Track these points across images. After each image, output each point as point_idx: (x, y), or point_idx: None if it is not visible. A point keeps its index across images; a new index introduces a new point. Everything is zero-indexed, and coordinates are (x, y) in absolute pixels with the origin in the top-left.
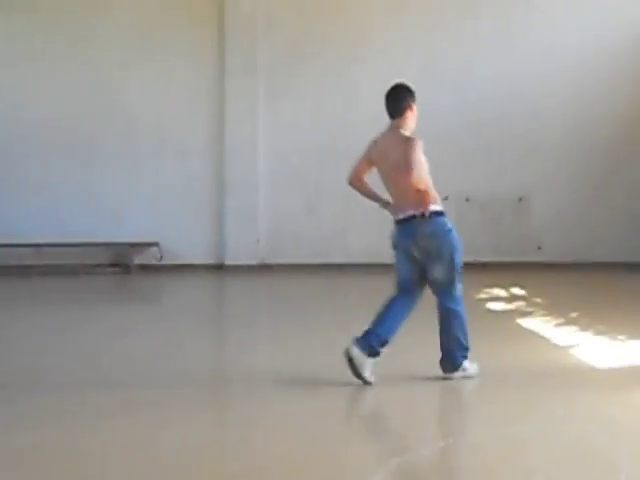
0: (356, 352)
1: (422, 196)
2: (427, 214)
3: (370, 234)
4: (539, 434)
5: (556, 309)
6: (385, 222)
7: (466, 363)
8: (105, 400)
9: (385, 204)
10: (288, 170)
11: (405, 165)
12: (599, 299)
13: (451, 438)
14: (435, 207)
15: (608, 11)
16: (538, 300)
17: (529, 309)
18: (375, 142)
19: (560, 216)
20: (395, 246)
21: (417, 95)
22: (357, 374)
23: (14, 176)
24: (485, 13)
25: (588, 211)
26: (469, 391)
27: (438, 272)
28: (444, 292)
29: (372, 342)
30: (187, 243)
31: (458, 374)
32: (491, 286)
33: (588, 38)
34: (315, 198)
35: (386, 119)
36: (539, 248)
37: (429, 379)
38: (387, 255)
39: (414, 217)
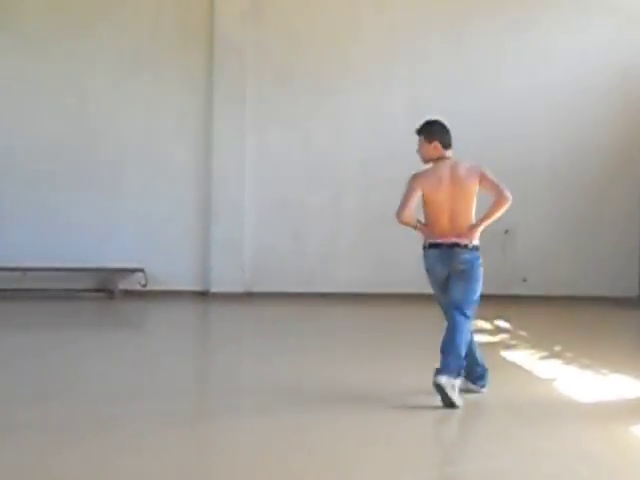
0: (444, 380)
1: (472, 228)
2: (470, 245)
3: (356, 263)
4: (521, 467)
5: (540, 342)
6: (371, 252)
7: (458, 381)
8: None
9: (420, 226)
10: (275, 197)
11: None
12: (583, 332)
13: (434, 470)
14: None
15: (595, 47)
16: (523, 333)
17: (513, 342)
18: (426, 175)
19: (546, 249)
20: (432, 269)
21: (401, 128)
22: (448, 401)
23: None
24: (472, 46)
25: (574, 244)
26: (451, 423)
27: (459, 291)
28: (459, 310)
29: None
30: (172, 269)
31: (444, 380)
32: (475, 318)
33: (576, 74)
34: (301, 226)
35: (374, 149)
36: (524, 280)
37: (411, 409)
38: (372, 285)
39: (458, 245)
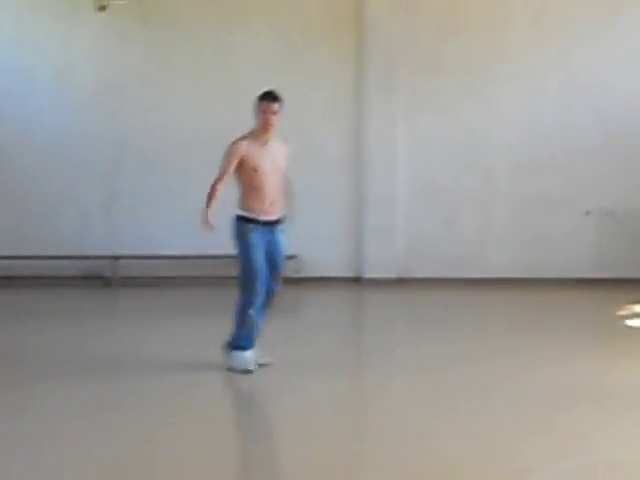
0: None
1: None
2: None
3: (509, 248)
4: None
5: None
6: (527, 236)
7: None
8: None
9: None
10: (426, 184)
11: None
12: None
13: (587, 455)
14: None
15: None
16: None
17: None
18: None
19: None
20: None
21: (557, 109)
22: None
23: (156, 187)
24: (626, 28)
25: None
26: (608, 409)
27: None
28: None
29: None
30: (326, 256)
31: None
32: (633, 303)
33: None
34: (453, 212)
35: (526, 133)
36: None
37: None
38: (528, 269)
39: None
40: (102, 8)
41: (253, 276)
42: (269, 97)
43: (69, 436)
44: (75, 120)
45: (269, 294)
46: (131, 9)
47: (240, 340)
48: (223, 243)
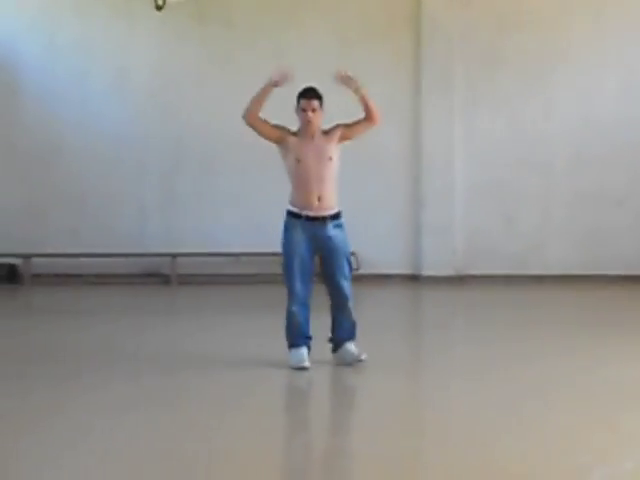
0: None
1: None
2: None
3: (568, 245)
4: None
5: None
6: (586, 232)
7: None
8: None
9: None
10: (485, 181)
11: None
12: None
13: None
14: None
15: None
16: None
17: None
18: None
19: None
20: None
21: (615, 105)
22: None
23: (213, 186)
24: None
25: None
26: None
27: None
28: None
29: None
30: (384, 253)
31: None
32: None
33: None
34: (513, 209)
35: (584, 130)
36: None
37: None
38: (588, 266)
39: None
40: (159, 8)
41: (290, 273)
42: (307, 94)
43: (126, 429)
44: (133, 120)
45: (335, 295)
46: (187, 7)
47: (289, 337)
48: (280, 241)
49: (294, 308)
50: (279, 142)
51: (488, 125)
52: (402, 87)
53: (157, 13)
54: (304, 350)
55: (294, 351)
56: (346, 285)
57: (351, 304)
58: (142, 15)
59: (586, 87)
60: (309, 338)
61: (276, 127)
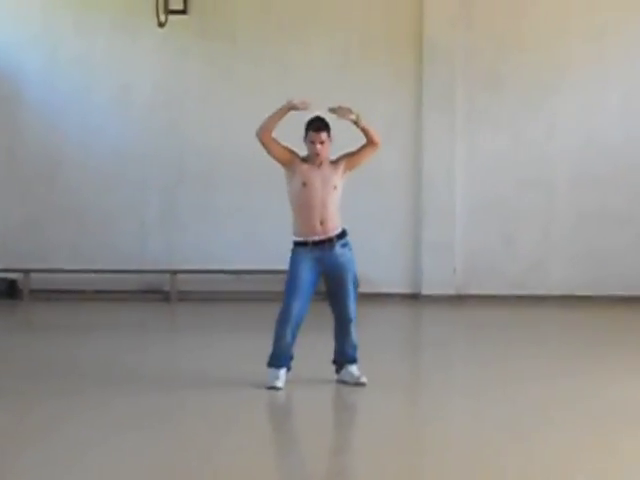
0: None
1: None
2: None
3: (569, 265)
4: None
5: None
6: (587, 252)
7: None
8: None
9: None
10: (486, 201)
11: None
12: None
13: None
14: None
15: None
16: None
17: None
18: None
19: None
20: None
21: (618, 125)
22: None
23: (214, 202)
24: None
25: None
26: None
27: None
28: None
29: None
30: (383, 272)
31: None
32: None
33: None
34: (514, 229)
35: (586, 149)
36: None
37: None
38: (589, 286)
39: None
40: (161, 24)
41: (290, 291)
42: (316, 126)
43: (125, 446)
44: (134, 136)
45: (338, 315)
46: (190, 24)
47: (272, 357)
48: (281, 258)
49: (286, 330)
50: (287, 164)
51: (489, 144)
52: (404, 106)
53: (159, 29)
54: (282, 371)
55: (272, 371)
56: (351, 306)
57: (353, 327)
58: (144, 31)
59: (588, 107)
60: (291, 358)
61: (287, 149)
